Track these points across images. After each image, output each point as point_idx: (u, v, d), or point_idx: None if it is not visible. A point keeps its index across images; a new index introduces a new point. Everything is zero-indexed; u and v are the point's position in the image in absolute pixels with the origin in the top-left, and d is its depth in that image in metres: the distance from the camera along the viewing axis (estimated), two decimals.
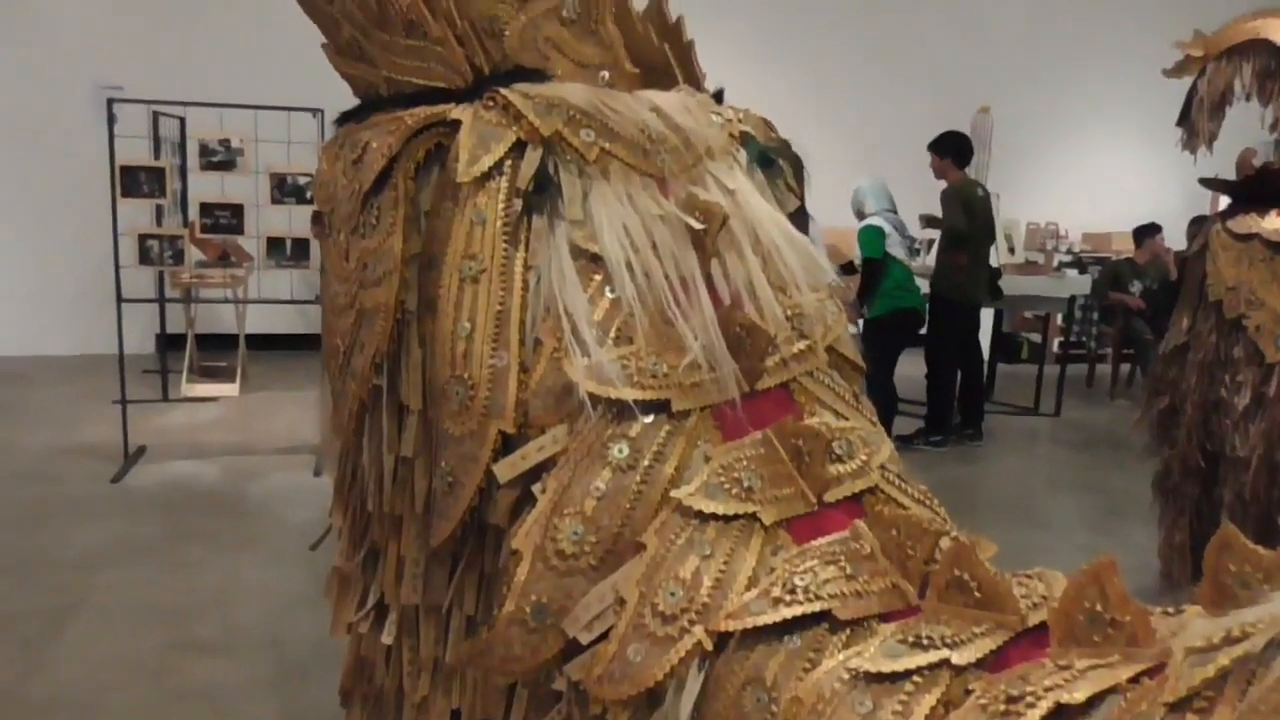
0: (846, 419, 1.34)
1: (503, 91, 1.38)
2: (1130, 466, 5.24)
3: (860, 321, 5.70)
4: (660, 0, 1.72)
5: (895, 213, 5.74)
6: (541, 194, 1.35)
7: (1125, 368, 8.37)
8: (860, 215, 5.76)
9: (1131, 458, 5.10)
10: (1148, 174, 9.84)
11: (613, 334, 1.27)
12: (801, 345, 1.36)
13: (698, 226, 1.34)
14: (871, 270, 5.54)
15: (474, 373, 1.29)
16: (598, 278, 1.31)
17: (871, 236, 5.55)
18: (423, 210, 1.39)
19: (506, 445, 1.28)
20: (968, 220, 5.90)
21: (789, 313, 1.38)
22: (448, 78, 1.44)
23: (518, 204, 1.34)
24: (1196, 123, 3.23)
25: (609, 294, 1.30)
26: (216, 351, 7.29)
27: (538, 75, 1.44)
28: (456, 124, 1.37)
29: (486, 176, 1.33)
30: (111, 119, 4.75)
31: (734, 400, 1.26)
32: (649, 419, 1.23)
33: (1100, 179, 9.99)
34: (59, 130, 7.40)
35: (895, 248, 5.61)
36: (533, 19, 1.48)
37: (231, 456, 5.21)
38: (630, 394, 1.22)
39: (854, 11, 9.17)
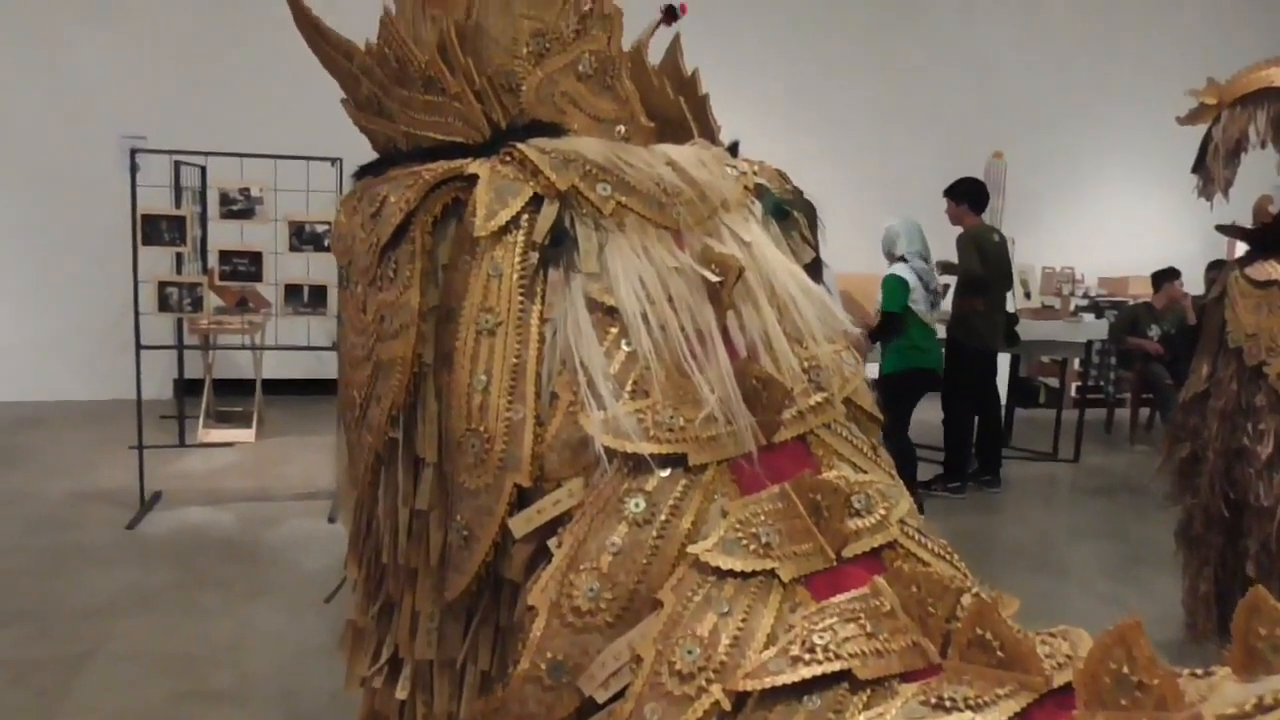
0: (865, 472, 1.33)
1: (519, 146, 1.39)
2: (1151, 514, 5.17)
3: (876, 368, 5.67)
4: (675, 54, 1.74)
5: (927, 258, 5.56)
6: (558, 247, 1.35)
7: (1144, 413, 8.30)
8: (890, 256, 5.57)
9: (1152, 504, 5.04)
10: (1164, 218, 9.85)
11: (629, 387, 1.27)
12: (819, 397, 1.35)
13: (713, 279, 1.35)
14: (888, 323, 5.39)
15: (490, 426, 1.29)
16: (614, 330, 1.31)
17: (893, 289, 5.37)
18: (440, 263, 1.40)
19: (522, 499, 1.28)
20: (984, 265, 5.90)
21: (805, 364, 1.37)
22: (465, 133, 1.46)
23: (534, 257, 1.35)
24: (1212, 170, 3.23)
25: (625, 347, 1.30)
26: (233, 396, 7.32)
27: (554, 130, 1.46)
28: (474, 179, 1.38)
29: (503, 230, 1.34)
30: (134, 168, 4.82)
31: (751, 454, 1.26)
32: (665, 473, 1.22)
33: (1115, 223, 9.99)
34: (83, 179, 7.52)
35: (918, 302, 5.40)
36: (549, 74, 1.50)
37: (246, 503, 5.21)
38: (646, 448, 1.22)
39: (867, 58, 9.25)
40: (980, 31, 9.59)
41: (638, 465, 1.22)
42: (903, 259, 5.48)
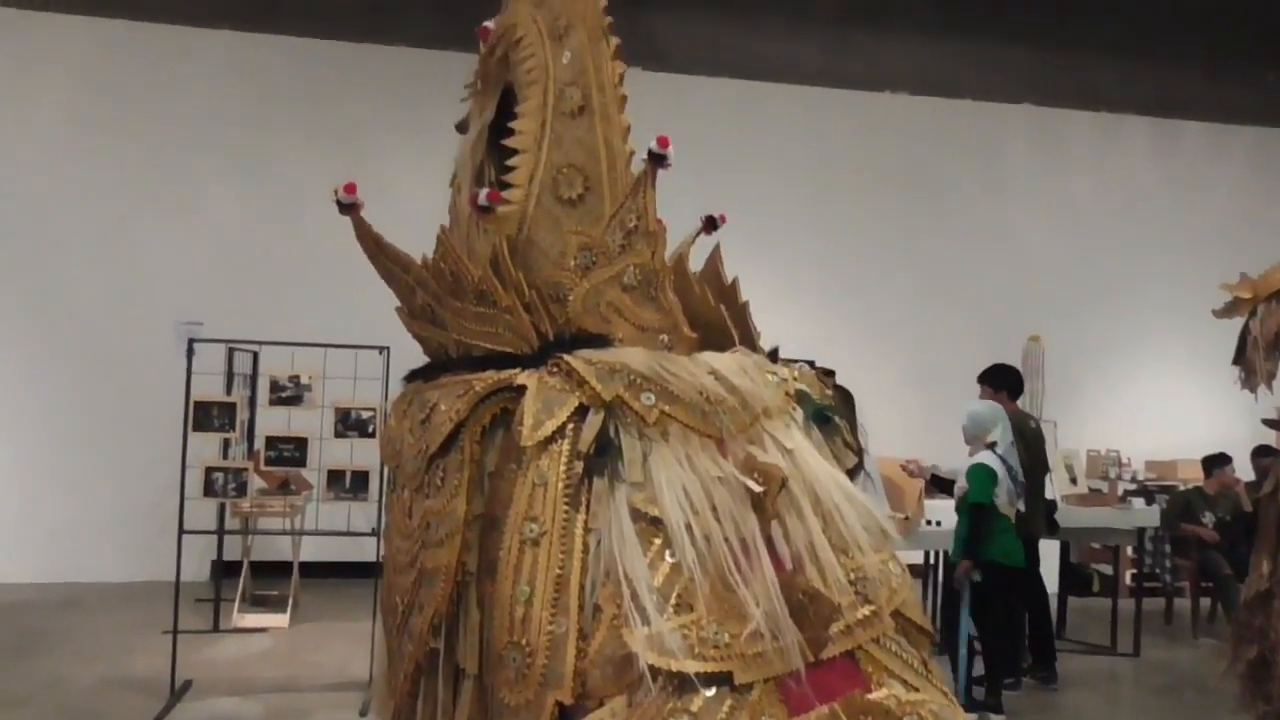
0: (916, 689, 1.29)
1: (566, 358, 1.44)
2: (1222, 716, 4.88)
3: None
4: (716, 263, 1.82)
5: (1014, 442, 5.35)
6: (602, 456, 1.38)
7: (1205, 602, 7.96)
8: (978, 441, 5.29)
9: (1222, 706, 4.77)
10: (1207, 399, 9.72)
11: (673, 600, 1.26)
12: (866, 610, 1.33)
13: (757, 488, 1.35)
14: (976, 515, 5.10)
15: (532, 639, 1.27)
16: (658, 541, 1.31)
17: (982, 480, 5.09)
18: (486, 471, 1.42)
19: (563, 716, 1.25)
20: (1024, 453, 5.82)
21: (852, 576, 1.36)
22: (514, 343, 1.51)
23: (579, 467, 1.37)
24: (1253, 362, 3.23)
25: (669, 558, 1.30)
26: (270, 578, 7.27)
27: (600, 340, 1.51)
28: (522, 389, 1.42)
29: (549, 440, 1.37)
30: (190, 353, 4.97)
31: (798, 671, 1.23)
32: (711, 692, 1.20)
33: (1158, 405, 9.89)
34: (138, 362, 7.76)
35: (1000, 495, 5.12)
36: (595, 286, 1.57)
37: (277, 693, 5.09)
38: (692, 666, 1.20)
39: (904, 242, 9.48)
40: (1011, 215, 9.84)
41: (683, 684, 1.20)
42: (991, 446, 5.21)
